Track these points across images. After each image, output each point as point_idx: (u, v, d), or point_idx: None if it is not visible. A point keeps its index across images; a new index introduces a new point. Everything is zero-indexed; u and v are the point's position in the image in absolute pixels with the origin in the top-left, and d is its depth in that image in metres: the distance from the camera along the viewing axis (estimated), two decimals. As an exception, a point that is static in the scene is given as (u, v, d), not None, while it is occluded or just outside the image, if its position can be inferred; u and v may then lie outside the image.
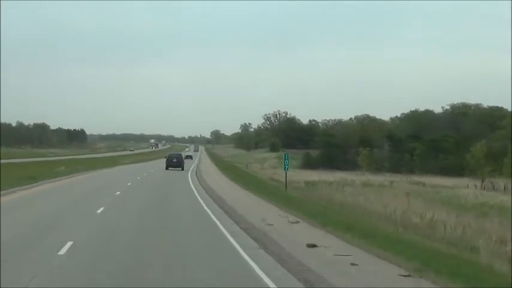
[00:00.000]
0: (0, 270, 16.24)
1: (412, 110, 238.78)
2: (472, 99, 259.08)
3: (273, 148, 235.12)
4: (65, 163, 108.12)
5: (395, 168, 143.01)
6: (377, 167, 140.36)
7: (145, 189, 54.00)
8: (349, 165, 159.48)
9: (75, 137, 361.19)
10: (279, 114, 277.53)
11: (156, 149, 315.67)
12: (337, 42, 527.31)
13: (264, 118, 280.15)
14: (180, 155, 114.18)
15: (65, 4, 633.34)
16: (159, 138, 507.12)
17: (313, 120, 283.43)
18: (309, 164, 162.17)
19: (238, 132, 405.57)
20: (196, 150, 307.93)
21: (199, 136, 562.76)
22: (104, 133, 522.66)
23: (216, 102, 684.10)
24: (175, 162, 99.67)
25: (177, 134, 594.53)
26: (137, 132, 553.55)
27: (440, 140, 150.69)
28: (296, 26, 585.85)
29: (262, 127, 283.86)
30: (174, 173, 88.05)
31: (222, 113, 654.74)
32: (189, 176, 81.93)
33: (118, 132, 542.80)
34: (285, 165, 54.84)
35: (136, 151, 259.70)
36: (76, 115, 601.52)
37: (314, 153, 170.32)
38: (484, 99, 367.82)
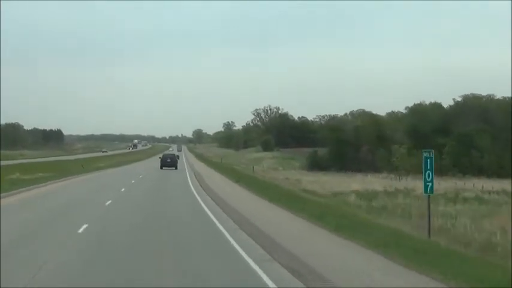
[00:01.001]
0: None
1: (416, 103, 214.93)
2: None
3: (266, 147, 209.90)
4: (25, 168, 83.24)
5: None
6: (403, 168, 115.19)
7: (135, 219, 28.92)
8: (363, 165, 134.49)
9: (51, 138, 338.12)
10: (269, 109, 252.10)
11: (135, 150, 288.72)
12: (323, 39, 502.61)
13: (253, 114, 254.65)
14: (174, 155, 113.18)
15: (40, 4, 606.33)
16: (140, 138, 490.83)
17: (303, 116, 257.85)
18: (316, 165, 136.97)
19: (221, 131, 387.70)
20: (179, 150, 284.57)
21: (180, 136, 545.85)
22: (82, 134, 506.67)
23: (197, 101, 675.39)
24: (169, 162, 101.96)
25: (158, 134, 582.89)
26: (117, 132, 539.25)
27: (473, 135, 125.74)
28: (277, 25, 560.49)
29: (251, 124, 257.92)
30: (171, 185, 62.13)
31: (203, 112, 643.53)
32: (192, 187, 57.25)
33: (97, 132, 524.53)
34: (427, 186, 26.27)
35: (112, 152, 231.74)
36: (54, 115, 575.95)
37: (317, 152, 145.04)
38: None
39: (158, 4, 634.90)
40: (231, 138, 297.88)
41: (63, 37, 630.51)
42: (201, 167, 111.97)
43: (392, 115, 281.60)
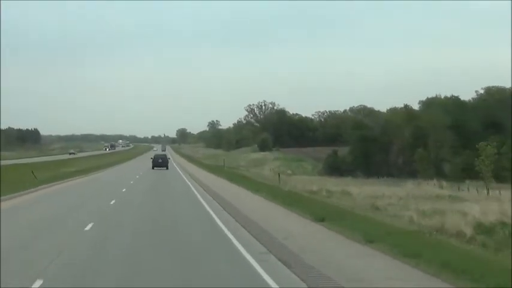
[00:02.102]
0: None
1: (430, 97, 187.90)
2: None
3: (263, 146, 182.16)
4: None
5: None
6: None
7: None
8: (394, 168, 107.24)
9: (28, 138, 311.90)
10: (264, 105, 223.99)
11: (112, 151, 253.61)
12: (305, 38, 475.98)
13: (246, 110, 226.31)
14: (165, 155, 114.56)
15: (20, 4, 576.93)
16: (122, 138, 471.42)
17: (297, 114, 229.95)
18: (335, 168, 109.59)
19: (205, 131, 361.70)
20: (163, 150, 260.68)
21: (163, 136, 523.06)
22: (63, 134, 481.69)
23: (180, 100, 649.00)
24: (160, 162, 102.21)
25: (140, 134, 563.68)
26: (98, 132, 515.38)
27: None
28: (267, 22, 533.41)
29: (244, 121, 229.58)
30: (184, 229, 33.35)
31: (187, 111, 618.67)
32: (224, 227, 27.29)
33: (78, 133, 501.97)
34: None
35: (85, 153, 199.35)
36: (33, 115, 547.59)
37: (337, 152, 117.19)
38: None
39: (141, 4, 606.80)
40: (220, 137, 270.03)
41: (43, 36, 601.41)
42: (202, 175, 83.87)
43: (395, 111, 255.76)
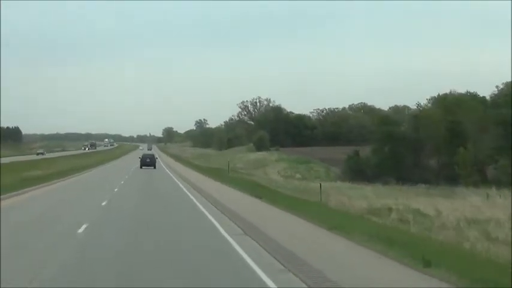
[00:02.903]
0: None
1: (443, 93, 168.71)
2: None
3: (260, 146, 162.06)
4: None
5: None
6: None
7: None
8: (428, 172, 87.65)
9: (8, 136, 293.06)
10: (259, 102, 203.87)
11: (93, 150, 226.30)
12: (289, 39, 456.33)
13: (240, 107, 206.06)
14: (153, 155, 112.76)
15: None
16: (106, 137, 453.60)
17: (291, 112, 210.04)
18: (357, 172, 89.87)
19: (192, 130, 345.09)
20: (149, 149, 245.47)
21: (148, 135, 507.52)
22: (47, 132, 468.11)
23: (167, 99, 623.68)
24: (148, 162, 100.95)
25: (125, 133, 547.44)
26: (83, 131, 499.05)
27: None
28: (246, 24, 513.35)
29: (237, 118, 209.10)
30: None
31: (173, 110, 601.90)
32: None
33: (62, 131, 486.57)
34: None
35: (64, 153, 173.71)
36: (15, 114, 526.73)
37: (359, 153, 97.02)
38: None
39: (129, 4, 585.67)
40: (209, 136, 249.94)
41: (27, 35, 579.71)
42: (206, 184, 62.92)
43: (398, 110, 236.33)
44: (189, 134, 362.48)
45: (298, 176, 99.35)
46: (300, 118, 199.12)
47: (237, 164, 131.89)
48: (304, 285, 14.45)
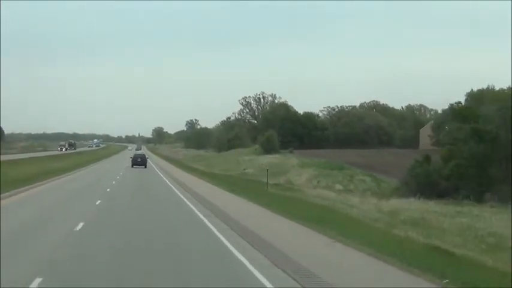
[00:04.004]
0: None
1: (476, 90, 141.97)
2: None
3: (269, 147, 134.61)
4: None
5: None
6: None
7: None
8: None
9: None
10: (263, 98, 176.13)
11: (72, 151, 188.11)
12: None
13: (241, 103, 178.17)
14: (144, 155, 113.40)
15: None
16: (94, 137, 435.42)
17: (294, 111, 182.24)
18: (429, 184, 62.60)
19: (183, 130, 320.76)
20: (139, 149, 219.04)
21: (137, 135, 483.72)
22: (33, 132, 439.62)
23: (156, 99, 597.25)
24: (139, 161, 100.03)
25: (113, 133, 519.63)
26: (70, 131, 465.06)
27: None
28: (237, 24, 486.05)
29: (238, 116, 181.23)
30: None
31: (163, 111, 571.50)
32: None
33: (49, 131, 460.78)
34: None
35: (37, 154, 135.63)
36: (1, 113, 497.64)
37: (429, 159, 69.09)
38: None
39: (117, 4, 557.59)
40: (204, 136, 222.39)
41: (16, 34, 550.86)
42: (265, 222, 32.71)
43: (413, 108, 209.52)
44: (179, 135, 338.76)
45: (338, 187, 72.32)
46: (309, 117, 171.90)
47: (246, 169, 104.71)
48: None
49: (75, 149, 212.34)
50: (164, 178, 70.04)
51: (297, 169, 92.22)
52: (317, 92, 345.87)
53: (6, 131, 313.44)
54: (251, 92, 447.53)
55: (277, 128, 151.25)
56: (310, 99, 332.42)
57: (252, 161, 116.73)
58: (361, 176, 78.41)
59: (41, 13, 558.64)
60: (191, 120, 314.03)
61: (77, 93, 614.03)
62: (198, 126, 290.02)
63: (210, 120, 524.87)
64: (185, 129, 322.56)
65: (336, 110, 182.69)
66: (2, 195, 38.28)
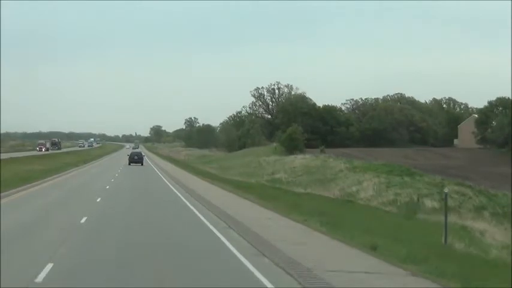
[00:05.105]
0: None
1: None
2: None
3: (291, 145, 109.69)
4: None
5: None
6: None
7: None
8: None
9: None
10: (278, 88, 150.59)
11: (55, 151, 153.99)
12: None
13: (253, 95, 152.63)
14: (140, 152, 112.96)
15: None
16: (91, 136, 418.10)
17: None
18: None
19: (182, 129, 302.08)
20: (135, 148, 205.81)
21: (134, 134, 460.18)
22: (29, 131, 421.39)
23: (154, 98, 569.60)
24: (136, 159, 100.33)
25: (110, 133, 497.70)
26: (66, 130, 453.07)
27: None
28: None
29: (250, 110, 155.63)
30: None
31: (160, 109, 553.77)
32: None
33: (45, 130, 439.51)
34: None
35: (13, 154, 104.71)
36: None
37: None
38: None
39: (113, 3, 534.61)
40: (208, 134, 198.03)
41: (14, 33, 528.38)
42: None
43: (440, 103, 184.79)
44: (178, 133, 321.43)
45: (431, 204, 47.62)
46: (331, 111, 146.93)
47: (276, 175, 79.73)
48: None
49: (59, 148, 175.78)
50: (178, 194, 45.17)
51: (348, 174, 67.28)
52: (335, 84, 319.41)
53: (2, 130, 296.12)
54: (246, 93, 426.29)
55: (299, 122, 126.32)
56: (329, 91, 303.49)
57: (277, 163, 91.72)
58: (454, 186, 53.58)
59: (36, 11, 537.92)
60: (190, 118, 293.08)
61: (74, 92, 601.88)
62: (197, 125, 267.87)
63: (209, 119, 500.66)
64: (184, 127, 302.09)
65: (360, 102, 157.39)
66: None
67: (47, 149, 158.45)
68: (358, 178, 63.46)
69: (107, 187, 48.55)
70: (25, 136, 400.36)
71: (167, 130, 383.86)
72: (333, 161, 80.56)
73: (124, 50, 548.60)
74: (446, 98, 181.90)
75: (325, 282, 14.90)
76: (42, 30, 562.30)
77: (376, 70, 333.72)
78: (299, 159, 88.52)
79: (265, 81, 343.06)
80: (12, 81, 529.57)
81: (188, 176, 70.79)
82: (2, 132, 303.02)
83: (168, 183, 56.61)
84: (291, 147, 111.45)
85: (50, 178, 58.96)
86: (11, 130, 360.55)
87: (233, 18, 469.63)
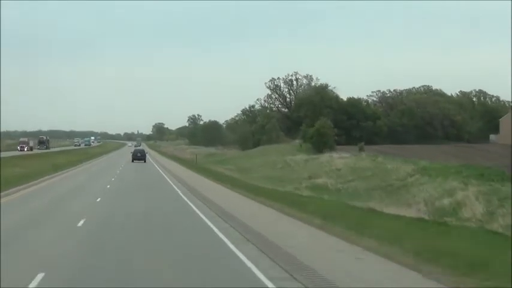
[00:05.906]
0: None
1: None
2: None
3: (320, 142, 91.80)
4: None
5: None
6: None
7: None
8: None
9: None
10: (296, 80, 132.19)
11: (43, 150, 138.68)
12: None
13: (268, 87, 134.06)
14: (143, 150, 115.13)
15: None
16: (92, 135, 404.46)
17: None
18: None
19: (185, 126, 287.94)
20: (138, 146, 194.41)
21: (136, 132, 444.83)
22: (30, 130, 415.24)
23: (156, 95, 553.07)
24: (139, 156, 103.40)
25: (112, 131, 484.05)
26: (67, 129, 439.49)
27: None
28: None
29: (265, 103, 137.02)
30: None
31: (162, 106, 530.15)
32: None
33: (45, 128, 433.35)
34: None
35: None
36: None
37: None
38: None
39: (118, 3, 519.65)
40: (215, 131, 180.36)
41: (14, 33, 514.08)
42: None
43: (468, 95, 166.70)
44: (181, 131, 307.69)
45: None
46: (355, 104, 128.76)
47: (317, 179, 61.37)
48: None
49: (47, 147, 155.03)
50: (203, 217, 26.96)
51: (421, 180, 49.28)
52: (356, 76, 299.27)
53: (2, 128, 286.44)
54: (253, 89, 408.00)
55: (314, 117, 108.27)
56: (353, 82, 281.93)
57: (309, 164, 73.59)
58: None
59: (36, 11, 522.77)
60: (193, 115, 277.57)
61: (75, 91, 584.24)
62: (201, 122, 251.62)
63: (213, 116, 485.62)
64: (187, 124, 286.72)
65: (388, 94, 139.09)
66: None
67: (30, 149, 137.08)
68: (441, 186, 45.31)
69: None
70: (25, 135, 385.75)
71: (170, 128, 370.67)
72: (386, 161, 62.27)
73: (125, 47, 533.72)
74: (476, 90, 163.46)
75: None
76: (42, 30, 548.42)
77: (398, 62, 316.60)
78: (338, 159, 70.22)
79: (269, 78, 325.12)
80: (13, 80, 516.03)
81: (207, 184, 52.24)
82: (2, 131, 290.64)
83: (187, 200, 38.04)
84: (320, 144, 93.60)
85: None
86: (11, 129, 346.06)
87: (235, 17, 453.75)
